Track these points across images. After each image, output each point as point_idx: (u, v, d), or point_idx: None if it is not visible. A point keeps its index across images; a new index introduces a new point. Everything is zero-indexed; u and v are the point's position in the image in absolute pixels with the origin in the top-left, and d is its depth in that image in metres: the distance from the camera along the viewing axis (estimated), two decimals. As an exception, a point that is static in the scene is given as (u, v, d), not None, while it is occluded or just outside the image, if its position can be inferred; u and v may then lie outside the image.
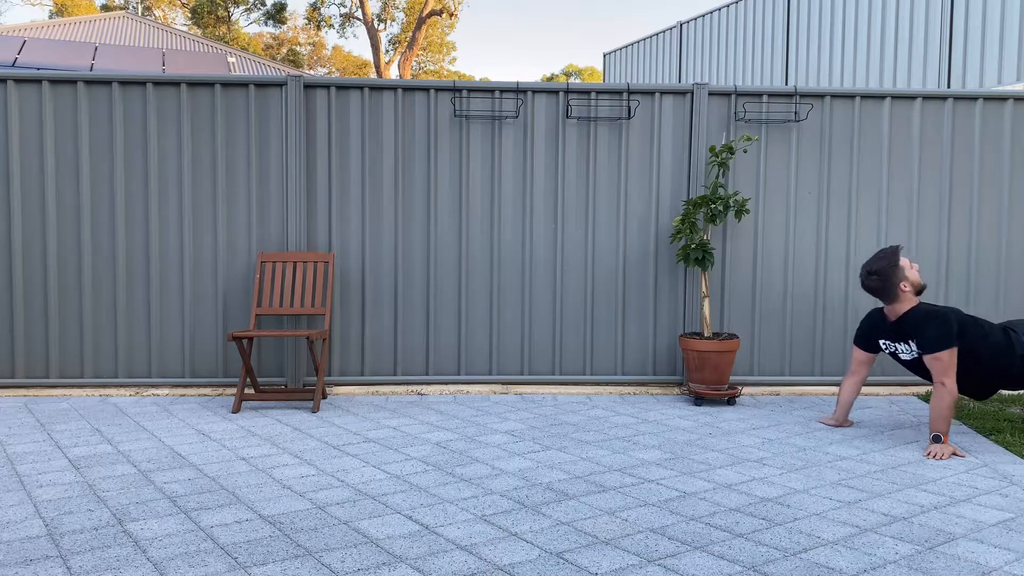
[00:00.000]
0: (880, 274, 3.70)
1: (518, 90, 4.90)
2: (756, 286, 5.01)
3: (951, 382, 3.50)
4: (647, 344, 5.01)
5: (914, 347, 3.66)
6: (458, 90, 4.89)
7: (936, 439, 3.51)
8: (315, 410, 4.27)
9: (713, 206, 4.57)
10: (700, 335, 4.64)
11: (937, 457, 3.42)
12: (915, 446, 3.65)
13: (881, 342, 3.84)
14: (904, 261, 3.72)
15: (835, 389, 4.93)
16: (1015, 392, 4.82)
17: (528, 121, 4.92)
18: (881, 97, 5.03)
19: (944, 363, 3.52)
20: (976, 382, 3.70)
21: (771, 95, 4.97)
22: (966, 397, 4.00)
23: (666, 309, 5.00)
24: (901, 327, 3.71)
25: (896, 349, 3.76)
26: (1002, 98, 5.07)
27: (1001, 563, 2.30)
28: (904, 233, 5.05)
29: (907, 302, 3.71)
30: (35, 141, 4.74)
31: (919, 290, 3.74)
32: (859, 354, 3.97)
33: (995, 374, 3.67)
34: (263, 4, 33.34)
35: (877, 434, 3.87)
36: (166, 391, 4.74)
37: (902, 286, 3.69)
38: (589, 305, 4.98)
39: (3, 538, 2.43)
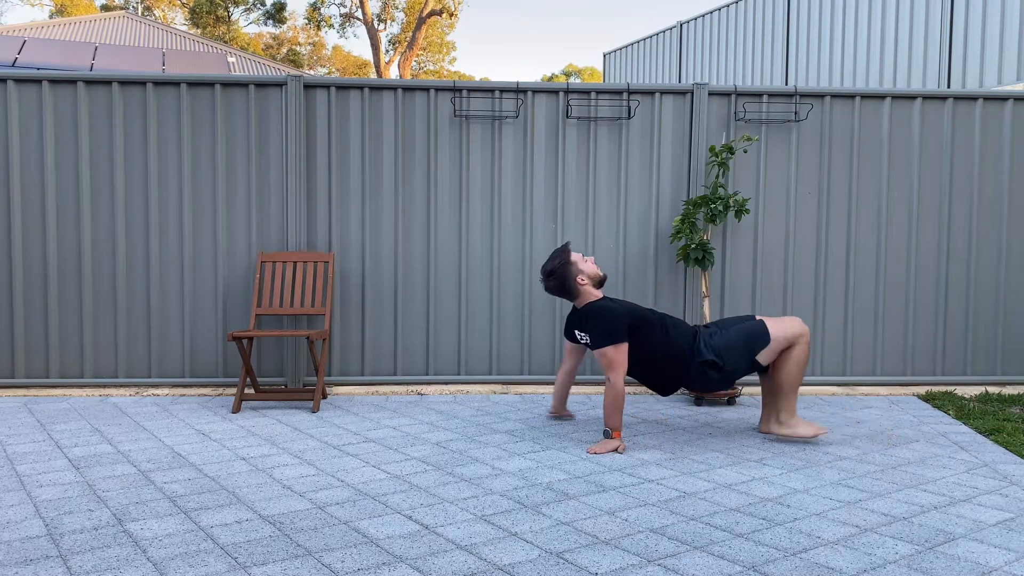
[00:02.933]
0: (555, 274, 3.72)
1: (518, 90, 4.90)
2: (756, 286, 5.01)
3: (616, 377, 3.49)
4: (647, 344, 5.01)
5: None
6: (458, 90, 4.89)
7: (606, 434, 3.53)
8: (315, 410, 4.27)
9: (713, 206, 4.57)
10: (700, 335, 4.64)
11: (596, 452, 3.44)
12: (915, 446, 3.65)
13: (576, 332, 3.84)
14: (576, 256, 3.74)
15: (835, 389, 4.93)
16: (1017, 392, 4.82)
17: (528, 121, 4.92)
18: (881, 97, 5.03)
19: (609, 359, 3.51)
20: (655, 379, 3.70)
21: (771, 95, 4.97)
22: (654, 392, 3.95)
23: (666, 309, 4.99)
24: (581, 319, 3.73)
25: (587, 340, 3.75)
26: (1002, 98, 5.07)
27: (1001, 563, 2.30)
28: (904, 232, 5.05)
29: (588, 295, 3.73)
30: (35, 141, 4.74)
31: (599, 282, 3.76)
32: (567, 344, 4.02)
33: (672, 375, 3.66)
34: (263, 4, 33.33)
35: (877, 434, 3.87)
36: (166, 391, 4.74)
37: (579, 280, 3.71)
38: (589, 305, 4.98)
39: (3, 538, 2.43)
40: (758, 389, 4.93)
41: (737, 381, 4.90)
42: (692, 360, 3.59)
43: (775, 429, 3.70)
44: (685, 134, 4.98)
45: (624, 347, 3.53)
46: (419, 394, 4.79)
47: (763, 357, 3.59)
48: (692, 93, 4.93)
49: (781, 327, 3.59)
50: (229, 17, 33.22)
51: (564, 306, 4.96)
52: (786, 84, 12.66)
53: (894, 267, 5.06)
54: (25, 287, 4.76)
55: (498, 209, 4.94)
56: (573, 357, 4.01)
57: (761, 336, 3.57)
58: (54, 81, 4.73)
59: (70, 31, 19.53)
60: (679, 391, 3.74)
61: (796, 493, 2.94)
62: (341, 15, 31.81)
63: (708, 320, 4.64)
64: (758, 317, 3.72)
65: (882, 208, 5.04)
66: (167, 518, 2.61)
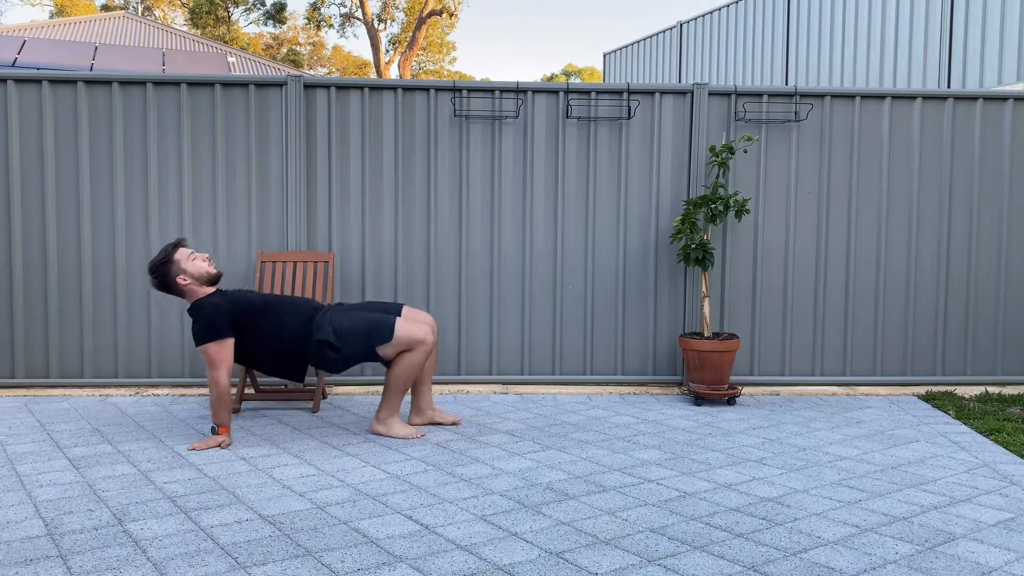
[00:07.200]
0: (155, 272, 3.59)
1: (518, 90, 4.90)
2: (756, 286, 5.01)
3: (219, 374, 3.47)
4: (647, 344, 5.01)
5: None
6: (458, 90, 4.89)
7: (213, 430, 3.53)
8: (315, 410, 4.27)
9: (713, 206, 4.57)
10: (700, 335, 4.64)
11: (197, 449, 3.44)
12: (915, 446, 3.65)
13: None
14: (181, 253, 3.58)
15: (835, 389, 4.94)
16: (1017, 392, 4.82)
17: (528, 121, 4.92)
18: (881, 97, 5.03)
19: (209, 356, 3.49)
20: (281, 365, 3.70)
21: (771, 95, 4.97)
22: (289, 381, 3.92)
23: (666, 309, 5.00)
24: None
25: None
26: (1002, 98, 5.07)
27: (1001, 563, 2.30)
28: (904, 232, 5.05)
29: (194, 294, 3.62)
30: (35, 141, 4.74)
31: (208, 280, 3.62)
32: None
33: (294, 357, 3.67)
34: (263, 4, 33.33)
35: (877, 434, 3.87)
36: (166, 391, 4.74)
37: (180, 279, 3.57)
38: (589, 305, 4.98)
39: (3, 538, 2.43)
40: (758, 389, 4.93)
41: (736, 381, 4.91)
42: (310, 338, 3.63)
43: (374, 427, 3.76)
44: (685, 134, 4.98)
45: (227, 343, 3.52)
46: (419, 394, 4.78)
47: (384, 352, 3.63)
48: (692, 93, 4.93)
49: (408, 329, 3.61)
50: (229, 17, 33.22)
51: (563, 307, 4.96)
52: (786, 84, 12.66)
53: (894, 267, 5.06)
54: (25, 287, 4.76)
55: (498, 209, 4.93)
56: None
57: (382, 332, 3.59)
58: (54, 81, 4.73)
59: (70, 31, 19.53)
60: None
61: (796, 493, 2.94)
62: (341, 15, 31.81)
63: (708, 321, 4.64)
64: (405, 308, 3.76)
65: (882, 208, 5.04)
66: (167, 518, 2.61)
